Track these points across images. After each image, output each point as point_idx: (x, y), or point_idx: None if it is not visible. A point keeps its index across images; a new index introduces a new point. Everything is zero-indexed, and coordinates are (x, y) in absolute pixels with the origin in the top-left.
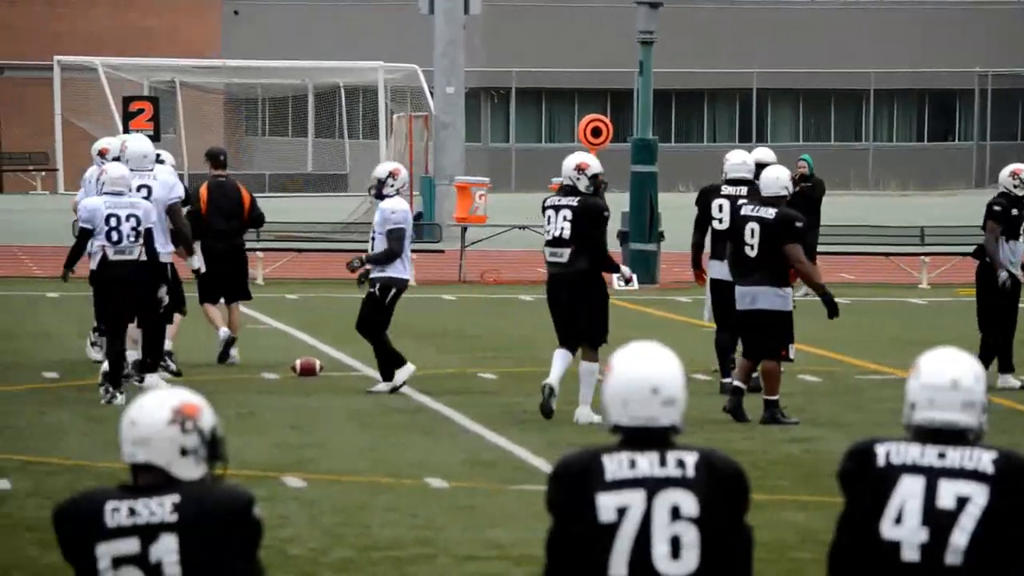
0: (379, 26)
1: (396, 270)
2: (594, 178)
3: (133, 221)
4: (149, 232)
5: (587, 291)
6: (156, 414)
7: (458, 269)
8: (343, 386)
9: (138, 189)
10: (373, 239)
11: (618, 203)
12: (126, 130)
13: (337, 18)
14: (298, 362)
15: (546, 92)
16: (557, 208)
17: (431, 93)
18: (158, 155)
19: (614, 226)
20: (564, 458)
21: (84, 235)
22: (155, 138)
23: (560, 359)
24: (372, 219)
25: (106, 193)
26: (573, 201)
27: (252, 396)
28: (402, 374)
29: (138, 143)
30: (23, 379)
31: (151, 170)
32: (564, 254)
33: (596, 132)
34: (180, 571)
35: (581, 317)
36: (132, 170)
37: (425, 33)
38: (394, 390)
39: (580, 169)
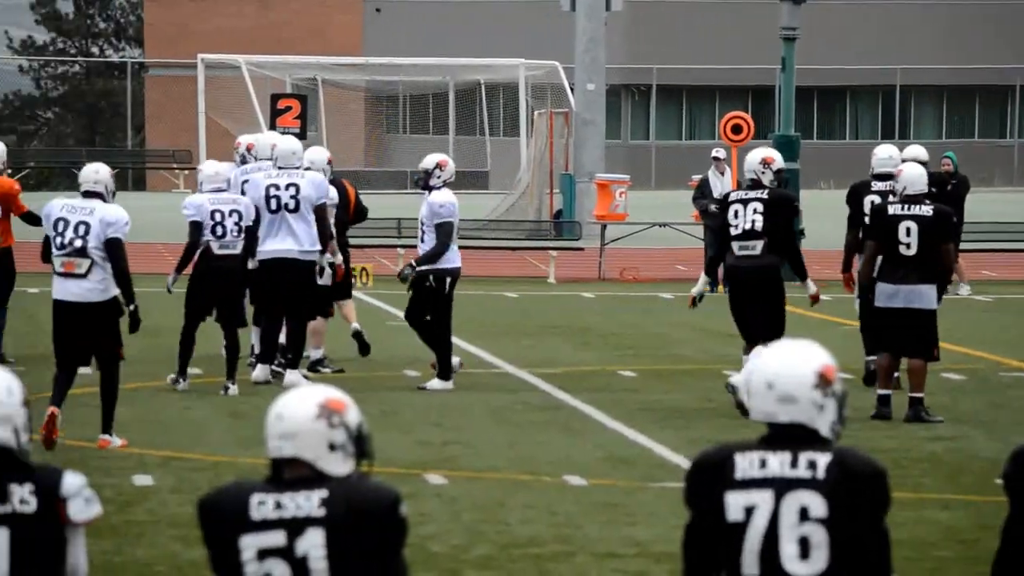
0: (520, 23)
1: (446, 260)
2: (778, 172)
3: (236, 216)
4: (251, 229)
5: (772, 288)
6: (303, 409)
7: (598, 266)
8: (483, 383)
9: (287, 188)
10: (422, 232)
11: None
12: (272, 127)
13: (478, 15)
14: None
15: (687, 89)
16: (745, 202)
17: (572, 90)
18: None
19: None
20: (700, 454)
21: (195, 229)
22: (302, 135)
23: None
24: (510, 216)
25: (209, 191)
26: (762, 194)
27: (395, 393)
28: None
29: (288, 141)
30: (166, 375)
31: (298, 167)
32: (757, 246)
33: (737, 129)
34: (326, 566)
35: (763, 314)
36: (280, 168)
37: (566, 30)
38: (421, 388)
39: (766, 163)
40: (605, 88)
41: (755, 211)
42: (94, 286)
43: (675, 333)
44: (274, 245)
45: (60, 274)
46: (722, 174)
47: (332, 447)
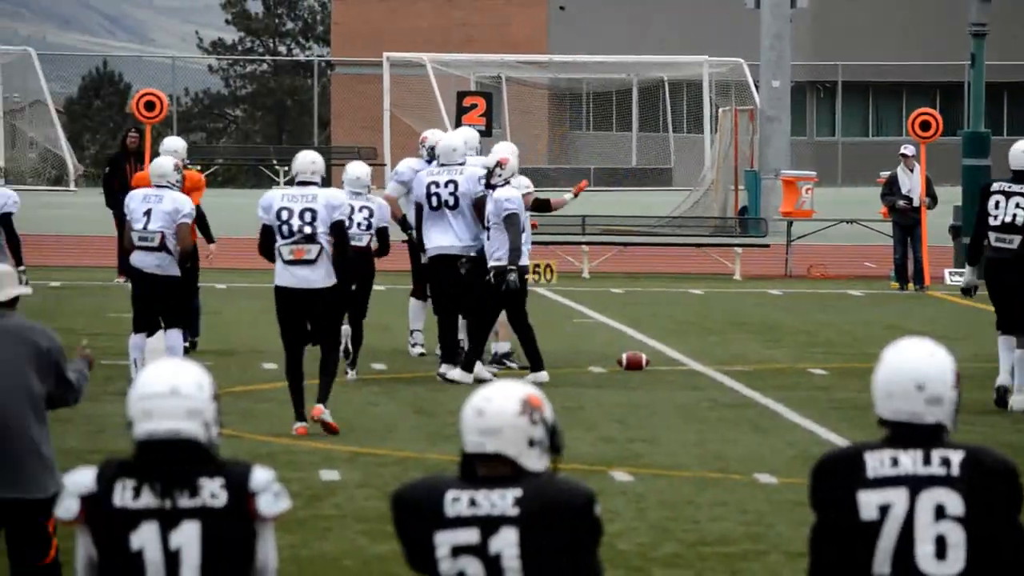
0: (704, 20)
1: (524, 256)
2: None
3: (366, 212)
4: (383, 230)
5: None
6: (506, 405)
7: (784, 263)
8: (670, 380)
9: (446, 184)
10: (488, 229)
11: (951, 197)
12: (458, 125)
13: (662, 12)
14: (625, 356)
15: (873, 86)
16: (1008, 194)
17: (756, 87)
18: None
19: (945, 220)
20: (826, 455)
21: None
22: (487, 133)
23: (1004, 348)
24: (694, 213)
25: (351, 192)
26: None
27: (580, 390)
28: (484, 371)
29: (449, 138)
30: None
31: (461, 163)
32: (1014, 240)
33: (925, 126)
34: (519, 565)
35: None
36: (442, 165)
37: (750, 27)
38: (478, 380)
39: None
40: (790, 85)
41: (1017, 205)
42: (321, 272)
43: (866, 331)
44: (437, 241)
45: (288, 261)
46: (911, 171)
47: (531, 443)
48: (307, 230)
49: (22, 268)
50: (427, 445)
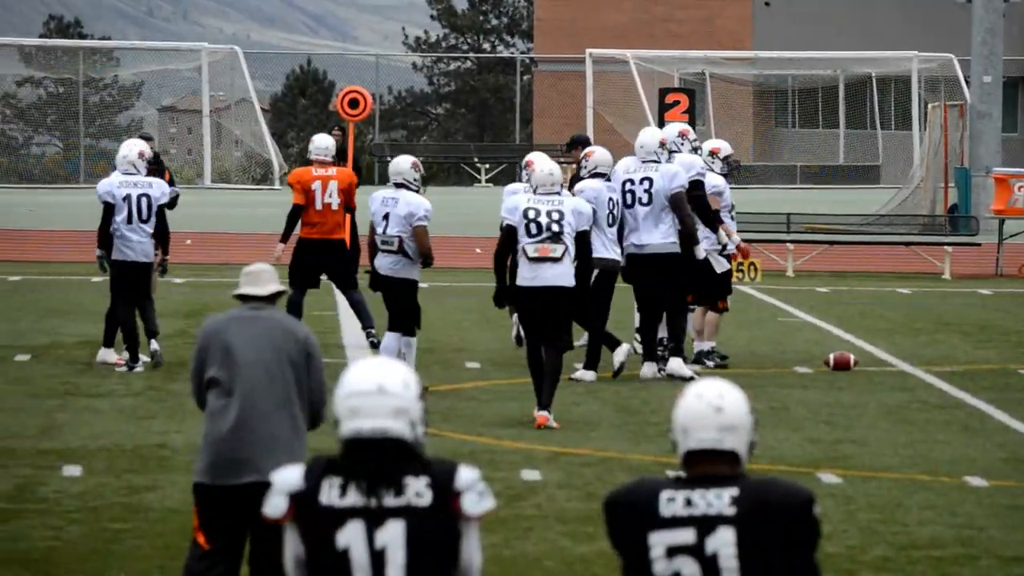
0: (912, 15)
1: (595, 251)
2: None
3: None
4: (581, 235)
5: None
6: (739, 403)
7: (995, 262)
8: (878, 381)
9: (641, 181)
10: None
11: None
12: (661, 122)
13: (869, 7)
14: (832, 356)
15: None
16: None
17: (967, 82)
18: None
19: None
20: None
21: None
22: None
23: None
24: (903, 211)
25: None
26: None
27: (785, 390)
28: (587, 375)
29: (646, 135)
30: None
31: (656, 161)
32: None
33: None
34: (737, 565)
35: None
36: (643, 162)
37: (960, 22)
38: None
39: None
40: (1002, 80)
41: None
42: (566, 271)
43: None
44: (633, 239)
45: (533, 259)
46: None
47: (752, 445)
48: (555, 228)
49: (166, 256)
50: (630, 445)
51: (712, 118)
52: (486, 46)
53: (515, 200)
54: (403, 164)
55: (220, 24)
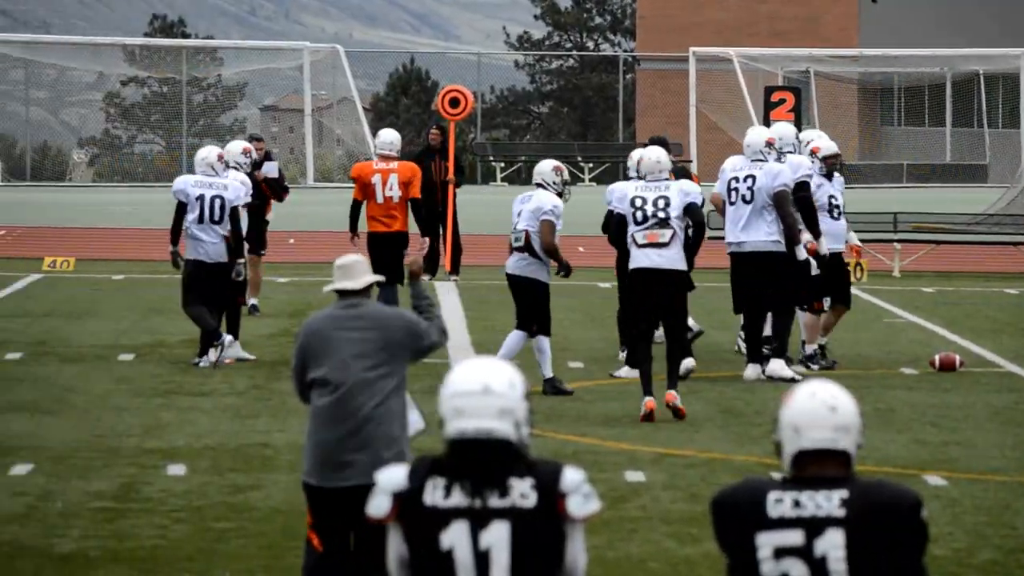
0: (1020, 11)
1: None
2: None
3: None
4: (690, 207)
5: None
6: (851, 403)
7: None
8: (984, 383)
9: (744, 179)
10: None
11: None
12: (766, 120)
13: (976, 4)
14: (938, 357)
15: None
16: None
17: None
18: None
19: None
20: None
21: (617, 221)
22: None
23: None
24: (1011, 210)
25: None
26: None
27: (891, 392)
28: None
29: (753, 134)
30: (658, 369)
31: (762, 160)
32: None
33: None
34: (845, 568)
35: None
36: (753, 160)
37: None
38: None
39: None
40: None
41: None
42: (675, 255)
43: None
44: (737, 237)
45: (642, 245)
46: None
47: (859, 445)
48: (661, 215)
49: (241, 261)
50: (734, 446)
51: (817, 116)
52: (589, 44)
53: (623, 188)
54: (545, 166)
55: (322, 23)
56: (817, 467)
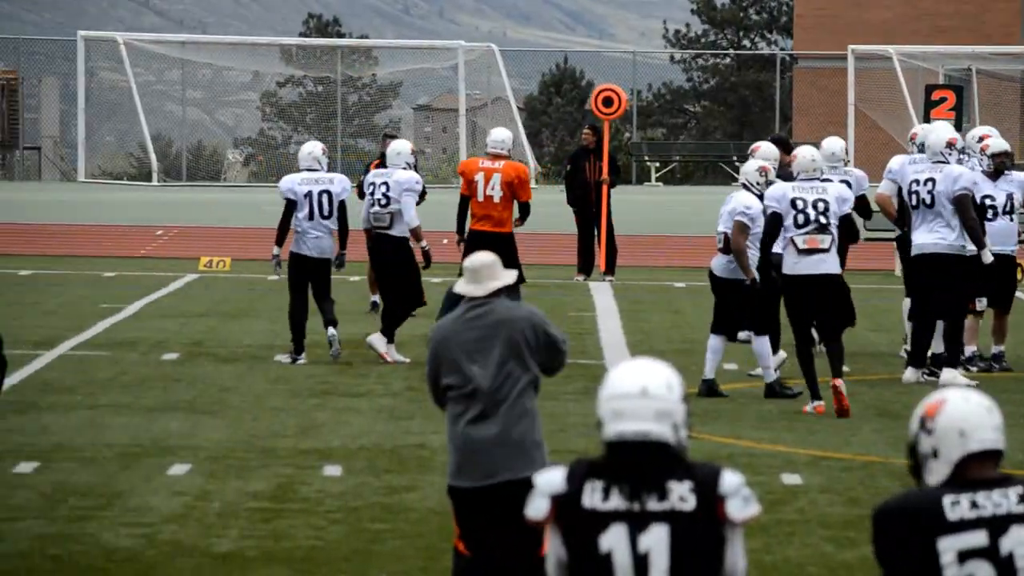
0: None
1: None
2: None
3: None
4: (843, 219)
5: None
6: (995, 403)
7: None
8: None
9: (924, 183)
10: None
11: None
12: (926, 119)
13: None
14: None
15: None
16: None
17: None
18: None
19: None
20: None
21: (772, 219)
22: (957, 127)
23: None
24: None
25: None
26: None
27: None
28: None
29: (933, 135)
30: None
31: (944, 162)
32: None
33: None
34: None
35: None
36: (935, 163)
37: None
38: None
39: None
40: None
41: None
42: (832, 259)
43: None
44: (919, 239)
45: (803, 250)
46: None
47: None
48: (822, 220)
49: (343, 252)
50: (892, 449)
51: (978, 115)
52: (746, 43)
53: (781, 188)
54: (750, 167)
55: (476, 22)
56: (980, 468)
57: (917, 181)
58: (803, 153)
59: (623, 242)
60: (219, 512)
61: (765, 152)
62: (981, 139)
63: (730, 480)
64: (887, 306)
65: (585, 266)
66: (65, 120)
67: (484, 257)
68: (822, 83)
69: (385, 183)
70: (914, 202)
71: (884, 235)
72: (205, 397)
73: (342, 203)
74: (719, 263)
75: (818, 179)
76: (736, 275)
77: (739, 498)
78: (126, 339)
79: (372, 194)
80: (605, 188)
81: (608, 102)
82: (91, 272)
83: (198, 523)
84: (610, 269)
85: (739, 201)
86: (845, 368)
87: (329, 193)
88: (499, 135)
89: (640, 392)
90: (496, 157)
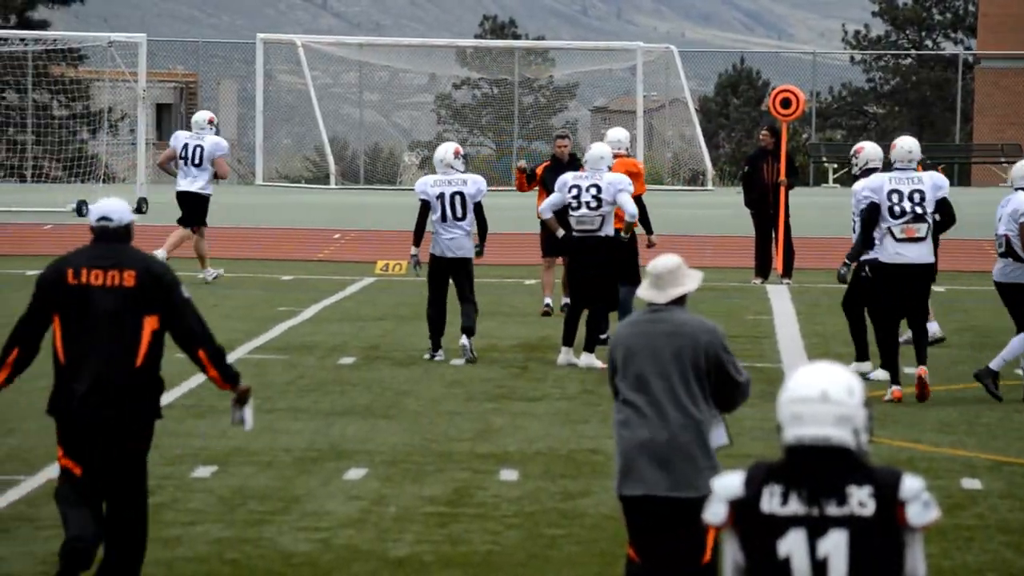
0: None
1: (875, 251)
2: None
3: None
4: (941, 202)
5: None
6: None
7: None
8: None
9: None
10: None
11: None
12: None
13: None
14: None
15: None
16: None
17: None
18: None
19: None
20: None
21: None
22: None
23: None
24: None
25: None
26: None
27: None
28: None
29: None
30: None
31: None
32: None
33: None
34: None
35: None
36: None
37: None
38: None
39: None
40: None
41: None
42: (928, 249)
43: None
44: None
45: (900, 239)
46: None
47: None
48: (918, 210)
49: (482, 243)
50: None
51: None
52: (928, 43)
53: (879, 179)
54: (1021, 168)
55: (654, 23)
56: None
57: None
58: (901, 143)
59: (800, 244)
60: (395, 516)
61: (872, 151)
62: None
63: (910, 485)
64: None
65: (763, 269)
66: (243, 123)
67: (668, 262)
68: (1005, 83)
69: (595, 185)
70: None
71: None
72: (381, 401)
73: (478, 204)
74: (999, 269)
75: (913, 169)
76: (1020, 279)
77: (919, 503)
78: (303, 343)
79: (577, 197)
80: (783, 190)
81: (786, 103)
82: (268, 275)
83: (374, 527)
84: (787, 272)
85: (1021, 202)
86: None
87: (462, 195)
88: (616, 135)
89: (820, 396)
90: (617, 157)
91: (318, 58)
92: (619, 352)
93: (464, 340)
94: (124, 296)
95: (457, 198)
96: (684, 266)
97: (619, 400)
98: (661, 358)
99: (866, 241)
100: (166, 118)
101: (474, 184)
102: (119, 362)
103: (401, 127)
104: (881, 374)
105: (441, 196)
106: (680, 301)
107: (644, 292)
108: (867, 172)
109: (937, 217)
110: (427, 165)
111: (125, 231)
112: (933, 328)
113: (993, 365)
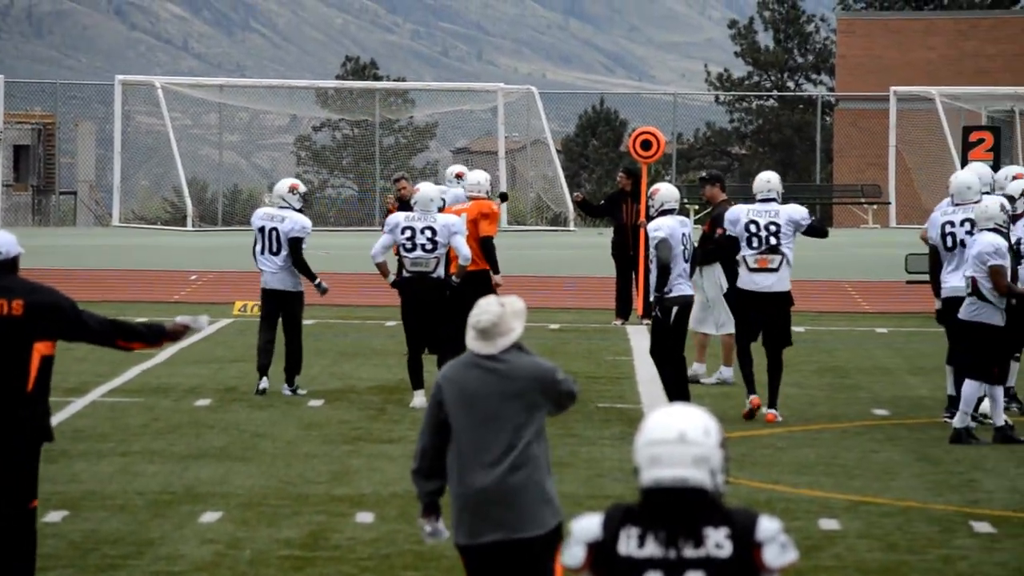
0: None
1: (674, 288)
2: None
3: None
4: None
5: None
6: None
7: None
8: None
9: (960, 224)
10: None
11: None
12: (964, 162)
13: None
14: None
15: None
16: None
17: None
18: None
19: None
20: None
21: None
22: (995, 168)
23: None
24: None
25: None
26: None
27: None
28: None
29: (961, 176)
30: (854, 415)
31: (976, 201)
32: None
33: None
34: None
35: None
36: (955, 204)
37: None
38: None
39: None
40: None
41: None
42: (782, 279)
43: None
44: (952, 282)
45: (752, 269)
46: None
47: None
48: (772, 241)
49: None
50: (931, 494)
51: (1022, 156)
52: (790, 84)
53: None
54: (993, 208)
55: (515, 63)
56: None
57: (952, 223)
58: (761, 176)
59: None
60: (250, 560)
61: (667, 193)
62: (1014, 178)
63: (767, 526)
64: (928, 350)
65: (623, 310)
66: (101, 164)
67: (489, 314)
68: (864, 124)
69: (430, 228)
70: (950, 244)
71: (923, 278)
72: (238, 443)
73: (294, 241)
74: (964, 308)
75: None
76: (984, 318)
77: (776, 544)
78: (159, 385)
79: (412, 239)
80: (642, 232)
81: (646, 145)
82: (123, 318)
83: (229, 571)
84: (647, 313)
85: (985, 243)
86: (884, 411)
87: (277, 231)
88: (474, 177)
89: (678, 438)
90: (472, 199)
91: (177, 99)
92: (449, 393)
93: (265, 382)
94: (11, 325)
95: (273, 233)
96: (506, 310)
97: (452, 445)
98: (492, 402)
99: (664, 276)
100: (24, 159)
101: (292, 223)
102: (10, 388)
103: (261, 168)
104: (726, 373)
105: (263, 229)
106: (509, 351)
107: (473, 345)
108: (663, 213)
109: (790, 249)
110: None
111: (12, 263)
112: (726, 374)
113: (957, 423)
